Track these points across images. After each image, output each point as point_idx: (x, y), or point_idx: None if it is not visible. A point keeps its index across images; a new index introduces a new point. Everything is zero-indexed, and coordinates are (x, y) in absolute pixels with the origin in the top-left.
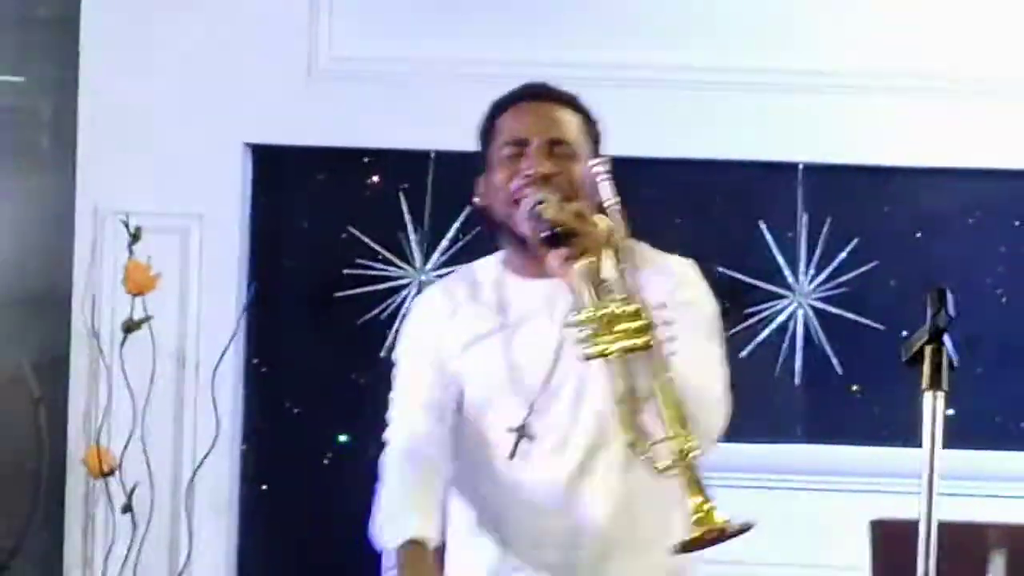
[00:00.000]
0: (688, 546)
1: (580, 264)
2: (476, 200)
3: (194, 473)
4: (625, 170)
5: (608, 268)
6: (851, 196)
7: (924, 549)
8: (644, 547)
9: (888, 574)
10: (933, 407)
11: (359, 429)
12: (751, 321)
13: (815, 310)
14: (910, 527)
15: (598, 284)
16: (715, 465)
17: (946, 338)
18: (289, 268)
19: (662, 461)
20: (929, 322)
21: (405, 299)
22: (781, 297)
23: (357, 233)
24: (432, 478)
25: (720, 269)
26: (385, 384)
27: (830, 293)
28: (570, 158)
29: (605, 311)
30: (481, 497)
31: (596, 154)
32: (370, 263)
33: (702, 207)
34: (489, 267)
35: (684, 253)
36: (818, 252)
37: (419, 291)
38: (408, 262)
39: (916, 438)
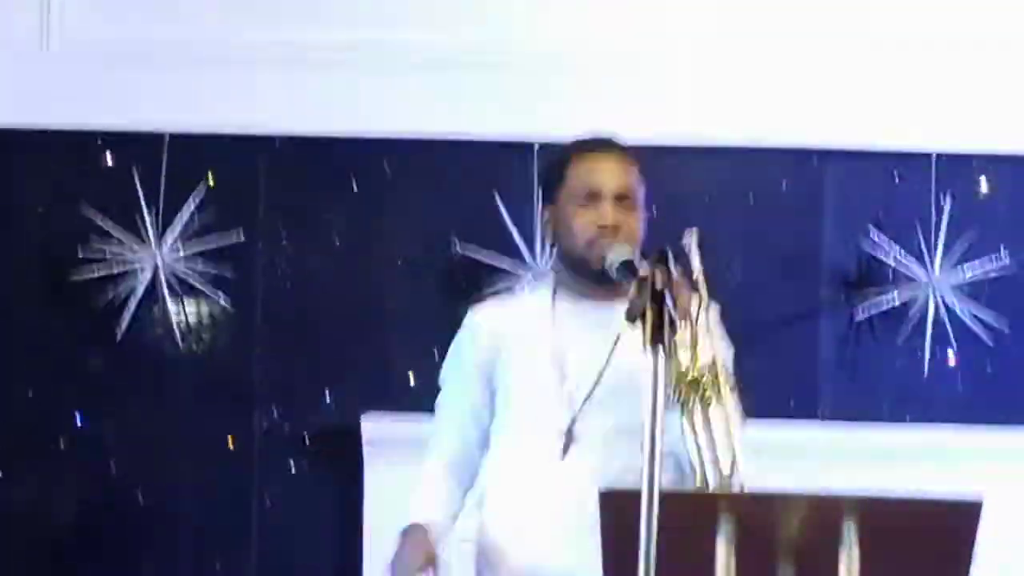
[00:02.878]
0: None
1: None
2: (548, 233)
3: None
4: (362, 148)
5: (687, 336)
6: None
7: (647, 518)
8: None
9: (618, 545)
10: (655, 365)
11: (94, 413)
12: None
13: None
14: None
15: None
16: None
17: (667, 297)
18: (23, 250)
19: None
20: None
21: (139, 281)
22: (517, 275)
23: (91, 215)
24: (450, 484)
25: (457, 242)
26: (121, 367)
27: None
28: (632, 209)
29: (688, 371)
30: (527, 491)
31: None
32: (105, 245)
33: (440, 184)
34: (541, 289)
35: (423, 228)
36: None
37: (153, 273)
38: (143, 243)
39: None
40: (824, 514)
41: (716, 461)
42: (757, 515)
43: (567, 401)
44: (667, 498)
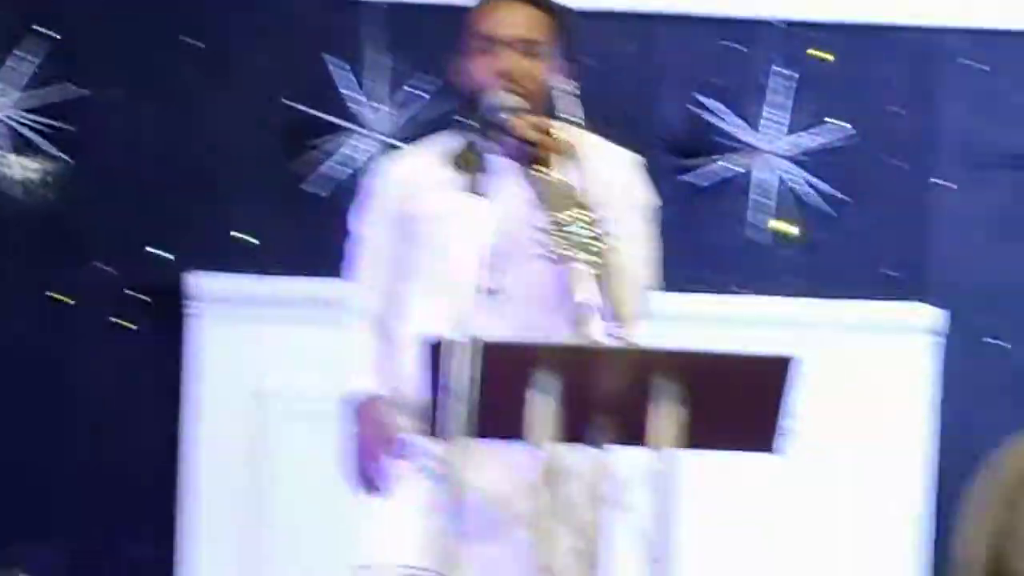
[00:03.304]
0: None
1: (541, 174)
2: (452, 79)
3: None
4: (201, 5)
5: (566, 176)
6: (417, 33)
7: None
8: None
9: (438, 393)
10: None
11: None
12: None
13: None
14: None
15: (556, 192)
16: None
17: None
18: None
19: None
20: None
21: None
22: (349, 131)
23: None
24: (381, 341)
25: (285, 101)
26: None
27: (409, 133)
28: (536, 58)
29: (562, 218)
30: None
31: (568, 51)
32: None
33: (274, 43)
34: (453, 140)
35: (251, 84)
36: (388, 88)
37: None
38: None
39: None
40: (641, 368)
41: (610, 315)
42: (576, 368)
43: (484, 256)
44: (488, 348)
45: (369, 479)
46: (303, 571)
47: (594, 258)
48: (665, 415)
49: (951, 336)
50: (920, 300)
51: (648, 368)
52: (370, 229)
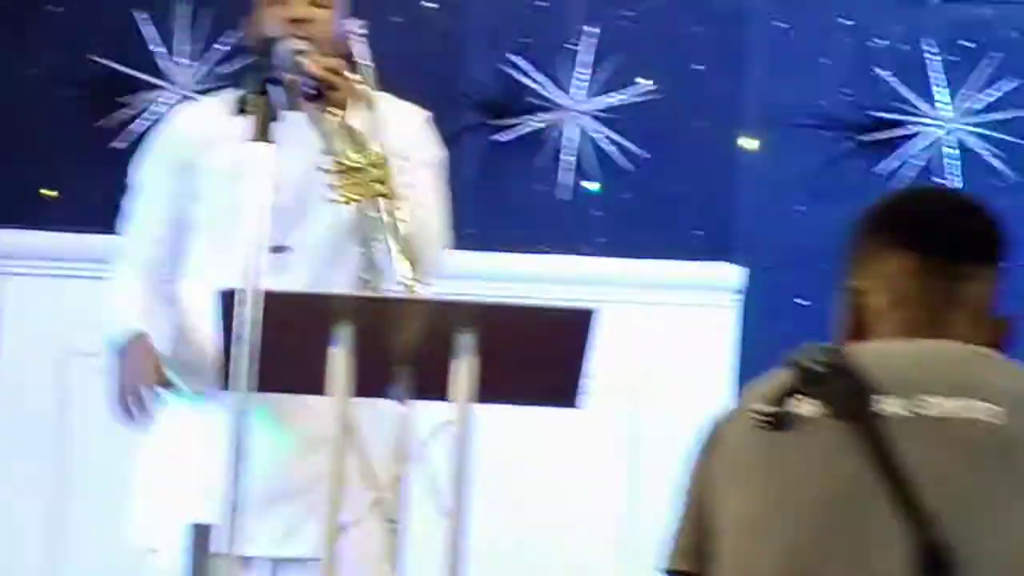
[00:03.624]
0: None
1: (333, 117)
2: (244, 36)
3: None
4: None
5: (358, 121)
6: None
7: (251, 318)
8: None
9: (228, 344)
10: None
11: None
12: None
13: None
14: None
15: (348, 135)
16: None
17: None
18: None
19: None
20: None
21: None
22: (157, 88)
23: None
24: (149, 287)
25: (93, 57)
26: None
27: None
28: (326, 7)
29: (353, 161)
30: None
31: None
32: None
33: None
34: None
35: (58, 40)
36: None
37: None
38: None
39: None
40: (441, 320)
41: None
42: (375, 320)
43: (268, 212)
44: (284, 300)
45: (129, 411)
46: (112, 530)
47: (386, 204)
48: (464, 369)
49: (753, 294)
50: (724, 259)
51: (448, 321)
52: (148, 178)
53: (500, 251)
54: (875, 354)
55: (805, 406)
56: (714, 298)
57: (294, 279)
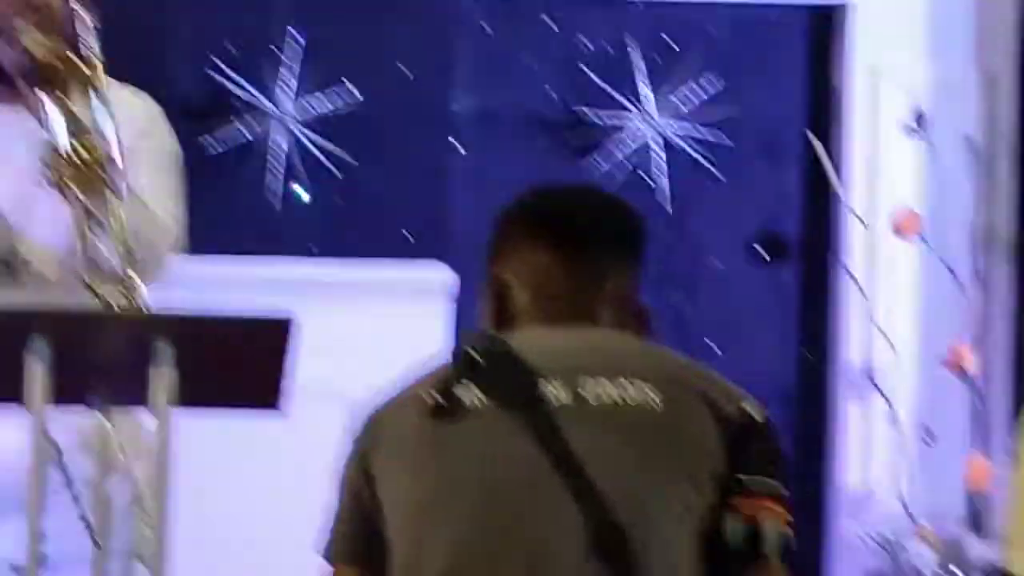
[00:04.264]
0: None
1: (55, 101)
2: None
3: None
4: None
5: (81, 107)
6: None
7: None
8: None
9: None
10: None
11: None
12: None
13: None
14: None
15: (71, 121)
16: None
17: None
18: None
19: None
20: None
21: None
22: None
23: None
24: None
25: None
26: None
27: None
28: None
29: (74, 148)
30: None
31: None
32: None
33: None
34: None
35: None
36: None
37: None
38: None
39: None
40: (140, 331)
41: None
42: (73, 334)
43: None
44: None
45: None
46: None
47: (110, 198)
48: (162, 378)
49: (466, 295)
50: (437, 261)
51: (147, 331)
52: None
53: (210, 256)
54: (530, 342)
55: (471, 393)
56: (427, 299)
57: (25, 295)
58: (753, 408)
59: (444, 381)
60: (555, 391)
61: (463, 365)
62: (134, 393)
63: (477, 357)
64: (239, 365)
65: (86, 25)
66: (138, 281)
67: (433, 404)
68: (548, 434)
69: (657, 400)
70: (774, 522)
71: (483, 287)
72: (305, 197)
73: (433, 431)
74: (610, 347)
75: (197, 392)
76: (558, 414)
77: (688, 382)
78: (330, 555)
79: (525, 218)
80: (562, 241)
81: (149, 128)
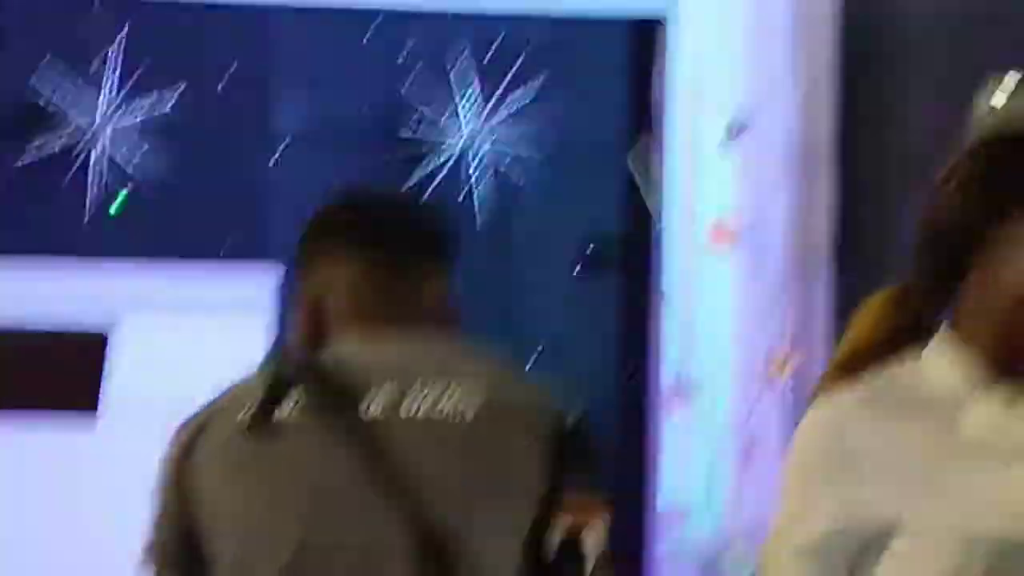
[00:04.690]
0: None
1: None
2: None
3: None
4: None
5: None
6: None
7: None
8: None
9: None
10: None
11: None
12: None
13: None
14: None
15: None
16: None
17: None
18: None
19: None
20: None
21: None
22: None
23: None
24: None
25: None
26: None
27: None
28: None
29: None
30: None
31: None
32: None
33: None
34: None
35: None
36: None
37: None
38: None
39: None
40: None
41: None
42: None
43: None
44: None
45: None
46: None
47: None
48: None
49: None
50: (256, 265)
51: None
52: None
53: (27, 267)
54: (345, 355)
55: (284, 409)
56: (246, 309)
57: None
58: (570, 410)
59: (255, 396)
60: (368, 403)
61: (275, 380)
62: None
63: (289, 371)
64: (58, 373)
65: None
66: None
67: (247, 419)
68: (362, 447)
69: (471, 410)
70: (595, 534)
71: (295, 298)
72: (121, 201)
73: (250, 448)
74: (426, 356)
75: (14, 399)
76: (372, 427)
77: (503, 388)
78: (151, 564)
79: (334, 225)
80: (372, 247)
81: None
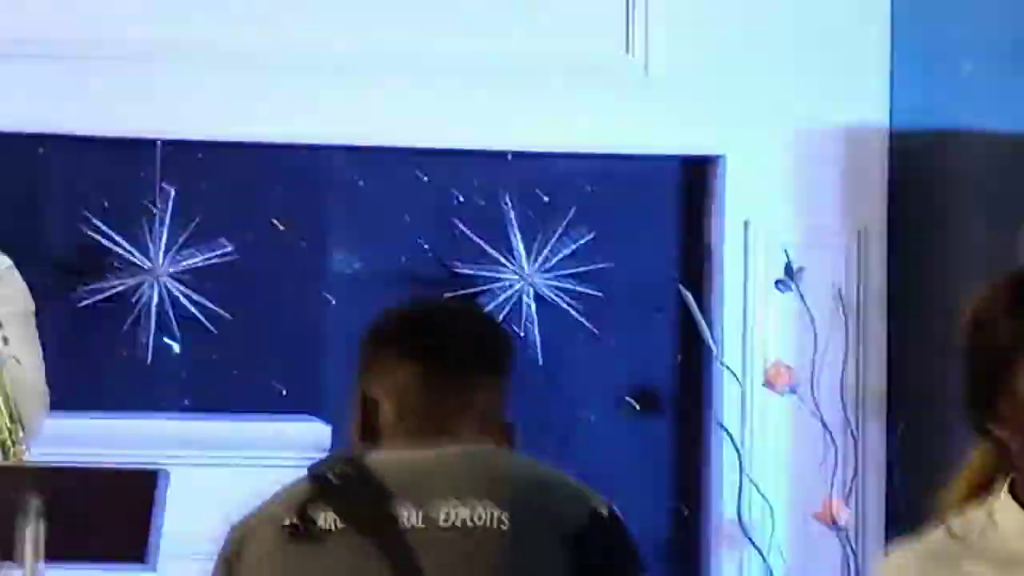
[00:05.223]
0: None
1: None
2: None
3: None
4: None
5: None
6: None
7: None
8: None
9: None
10: None
11: None
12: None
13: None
14: None
15: None
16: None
17: None
18: None
19: None
20: None
21: None
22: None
23: None
24: None
25: None
26: None
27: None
28: None
29: None
30: None
31: None
32: None
33: None
34: None
35: None
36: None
37: None
38: None
39: None
40: (9, 484)
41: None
42: None
43: None
44: None
45: None
46: None
47: None
48: (31, 531)
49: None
50: (311, 415)
51: (16, 484)
52: None
53: (82, 414)
54: (389, 463)
55: (326, 516)
56: (301, 455)
57: None
58: (603, 507)
59: (301, 502)
60: (407, 512)
61: (320, 487)
62: (5, 546)
63: (333, 478)
64: (107, 518)
65: None
66: (27, 438)
67: (289, 525)
68: (399, 557)
69: (504, 521)
70: None
71: (352, 401)
72: (176, 351)
73: (289, 552)
74: (467, 465)
75: (65, 546)
76: (409, 536)
77: (538, 499)
78: None
79: (392, 332)
80: (427, 355)
81: (10, 293)
